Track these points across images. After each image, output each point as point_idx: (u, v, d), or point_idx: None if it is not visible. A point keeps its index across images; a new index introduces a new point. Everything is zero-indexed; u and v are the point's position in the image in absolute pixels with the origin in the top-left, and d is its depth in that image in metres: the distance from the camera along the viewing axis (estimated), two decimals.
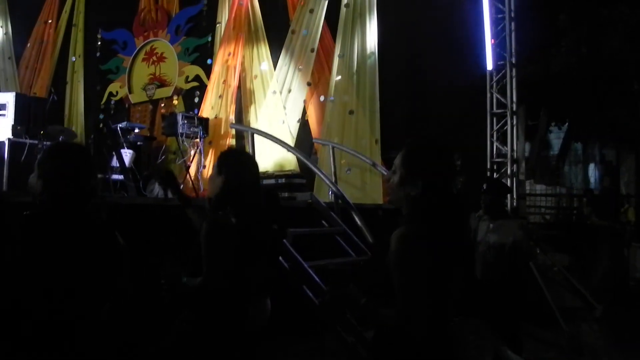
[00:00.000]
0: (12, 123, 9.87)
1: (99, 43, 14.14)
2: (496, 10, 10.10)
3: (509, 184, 9.55)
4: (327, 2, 10.46)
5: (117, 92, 13.64)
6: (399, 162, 2.36)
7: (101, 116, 13.30)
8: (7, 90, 13.52)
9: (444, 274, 2.20)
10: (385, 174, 7.76)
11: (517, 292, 5.41)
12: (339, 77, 10.13)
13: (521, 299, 5.50)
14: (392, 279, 2.18)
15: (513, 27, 10.05)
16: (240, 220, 2.87)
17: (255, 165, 3.25)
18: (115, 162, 9.59)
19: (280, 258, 5.46)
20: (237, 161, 3.08)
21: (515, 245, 5.26)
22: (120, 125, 10.32)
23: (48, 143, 9.11)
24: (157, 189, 9.83)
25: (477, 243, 5.58)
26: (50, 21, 14.70)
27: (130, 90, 13.42)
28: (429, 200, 2.24)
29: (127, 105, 13.41)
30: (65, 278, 2.30)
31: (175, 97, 12.55)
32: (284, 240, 5.36)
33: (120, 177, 9.56)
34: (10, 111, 10.12)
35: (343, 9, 10.29)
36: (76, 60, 14.27)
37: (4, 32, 14.87)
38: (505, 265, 5.29)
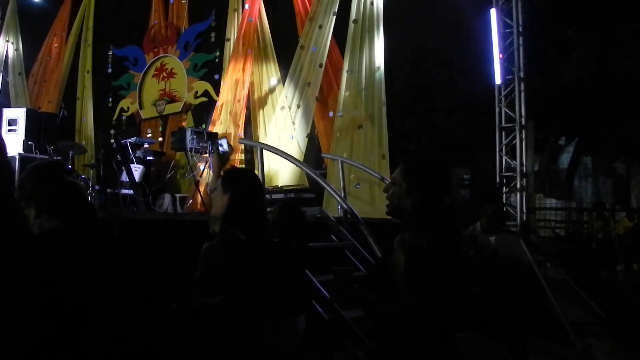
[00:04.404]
0: (23, 138, 9.93)
1: (110, 59, 14.25)
2: (504, 25, 10.13)
3: (518, 198, 9.53)
4: (335, 18, 10.51)
5: (128, 108, 13.73)
6: (398, 176, 2.58)
7: (112, 132, 13.38)
8: (17, 105, 13.66)
9: (447, 277, 2.40)
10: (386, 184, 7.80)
11: (524, 306, 5.34)
12: (348, 93, 10.16)
13: (527, 312, 5.43)
14: (398, 281, 2.38)
15: (521, 42, 10.07)
16: (250, 237, 2.89)
17: (259, 183, 3.29)
18: (125, 177, 9.64)
19: None
20: (243, 180, 3.10)
21: (519, 258, 5.17)
22: (130, 141, 10.38)
23: (58, 158, 9.18)
24: (166, 204, 9.87)
25: (475, 258, 5.46)
26: (60, 37, 14.83)
27: (140, 106, 13.50)
28: (427, 211, 2.47)
29: (138, 121, 13.49)
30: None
31: (184, 113, 12.62)
32: None
33: (130, 191, 9.61)
34: (21, 126, 10.20)
35: (351, 25, 10.34)
36: (85, 76, 14.37)
37: (15, 48, 15.04)
38: (510, 280, 5.21)
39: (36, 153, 9.51)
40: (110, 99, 14.05)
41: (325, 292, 5.67)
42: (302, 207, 8.50)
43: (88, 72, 14.36)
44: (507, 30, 10.14)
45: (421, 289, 2.32)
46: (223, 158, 10.21)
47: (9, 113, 10.69)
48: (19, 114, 10.56)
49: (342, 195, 8.16)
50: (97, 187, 9.77)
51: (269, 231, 3.12)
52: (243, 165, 11.01)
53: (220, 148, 10.02)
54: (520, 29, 10.04)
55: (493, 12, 10.13)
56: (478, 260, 5.26)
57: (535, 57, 11.09)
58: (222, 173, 3.19)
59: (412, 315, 2.34)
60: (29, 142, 9.81)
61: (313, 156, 10.50)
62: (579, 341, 7.32)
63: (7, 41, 15.06)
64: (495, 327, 4.92)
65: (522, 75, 10.00)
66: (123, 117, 13.76)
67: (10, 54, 15.02)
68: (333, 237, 7.37)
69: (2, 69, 14.95)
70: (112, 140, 12.89)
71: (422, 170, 2.58)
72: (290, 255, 4.03)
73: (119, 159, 10.01)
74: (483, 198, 5.50)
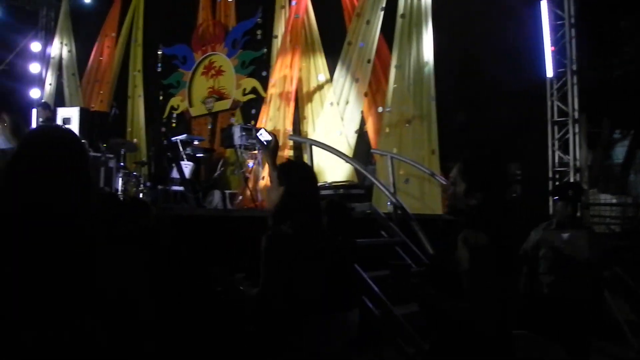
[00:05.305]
0: None
1: (160, 58, 14.45)
2: (555, 17, 9.92)
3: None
4: (382, 13, 10.43)
5: (178, 106, 13.93)
6: (457, 175, 2.56)
7: (163, 129, 13.58)
8: (71, 105, 14.01)
9: (508, 276, 2.49)
10: (445, 183, 7.71)
11: (595, 308, 5.06)
12: (396, 88, 10.07)
13: (598, 315, 5.19)
14: (462, 278, 2.37)
15: (573, 34, 9.85)
16: (300, 232, 2.87)
17: (314, 177, 3.29)
18: (175, 174, 9.76)
19: None
20: (298, 173, 3.11)
21: (593, 258, 4.91)
22: (180, 138, 10.51)
23: (111, 156, 9.35)
24: (216, 200, 9.96)
25: (545, 256, 5.18)
26: (111, 37, 15.11)
27: (190, 104, 13.68)
28: (487, 209, 2.45)
29: (187, 119, 13.67)
30: None
31: (233, 110, 12.72)
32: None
33: (181, 188, 9.73)
34: (74, 125, 10.44)
35: (399, 20, 10.23)
36: (136, 75, 14.62)
37: (69, 49, 15.42)
38: (583, 280, 4.92)
39: (89, 151, 9.69)
40: (161, 97, 14.26)
41: (376, 288, 5.65)
42: (352, 203, 8.53)
43: (138, 71, 14.62)
44: (558, 22, 9.93)
45: (484, 287, 2.32)
46: (269, 147, 10.12)
47: (63, 112, 10.96)
48: (72, 112, 10.82)
49: (392, 191, 8.10)
50: (148, 184, 9.94)
51: (321, 223, 3.10)
52: None
53: (260, 137, 9.96)
54: (573, 20, 9.83)
55: (544, 3, 9.93)
56: (546, 259, 5.09)
57: (587, 49, 10.83)
58: (276, 164, 3.21)
59: (475, 313, 2.31)
60: (82, 141, 9.99)
61: (362, 152, 10.45)
62: (636, 340, 7.13)
63: (61, 43, 15.45)
64: (559, 327, 4.78)
65: (574, 68, 9.79)
66: (173, 115, 13.97)
67: (65, 56, 15.42)
68: (383, 233, 7.34)
69: (57, 70, 15.35)
70: (163, 138, 13.08)
71: (480, 168, 2.55)
72: (337, 249, 4.02)
73: (170, 156, 10.16)
74: (559, 194, 5.30)
